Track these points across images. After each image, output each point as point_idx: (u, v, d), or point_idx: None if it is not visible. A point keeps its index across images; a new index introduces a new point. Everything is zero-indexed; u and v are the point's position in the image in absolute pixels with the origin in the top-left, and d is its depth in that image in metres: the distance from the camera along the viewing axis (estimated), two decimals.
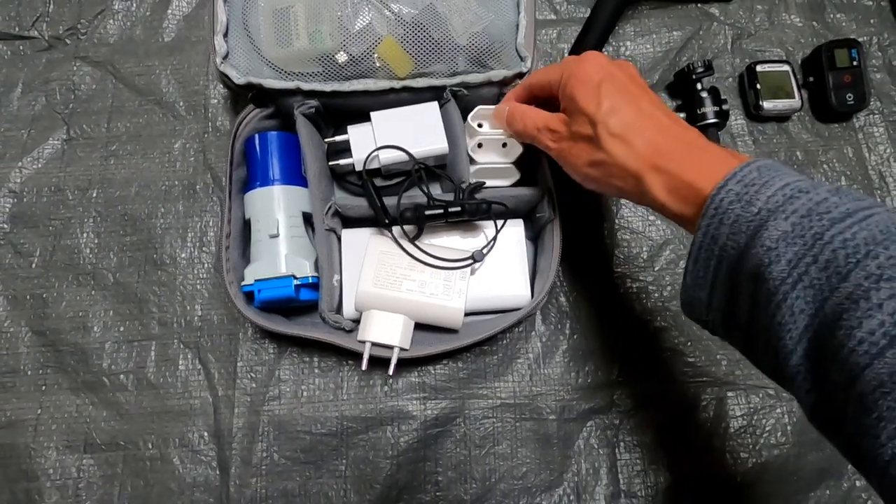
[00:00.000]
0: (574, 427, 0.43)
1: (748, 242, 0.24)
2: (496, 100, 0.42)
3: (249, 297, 0.39)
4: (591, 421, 0.43)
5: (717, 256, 0.25)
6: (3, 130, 0.48)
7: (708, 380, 0.44)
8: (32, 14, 0.51)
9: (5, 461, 0.41)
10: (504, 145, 0.41)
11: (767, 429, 0.43)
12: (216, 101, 0.49)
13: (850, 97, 0.48)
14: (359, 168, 0.40)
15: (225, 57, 0.39)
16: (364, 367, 0.38)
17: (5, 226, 0.46)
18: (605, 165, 0.31)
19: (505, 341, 0.44)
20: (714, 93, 0.47)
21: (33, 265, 0.45)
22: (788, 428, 0.43)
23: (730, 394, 0.43)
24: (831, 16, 0.52)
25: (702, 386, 0.44)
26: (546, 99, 0.36)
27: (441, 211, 0.38)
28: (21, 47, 0.50)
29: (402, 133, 0.40)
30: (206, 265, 0.45)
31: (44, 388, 0.43)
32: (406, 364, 0.43)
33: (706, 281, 0.27)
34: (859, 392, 0.20)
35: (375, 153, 0.40)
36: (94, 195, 0.47)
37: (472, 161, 0.41)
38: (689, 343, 0.44)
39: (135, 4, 0.51)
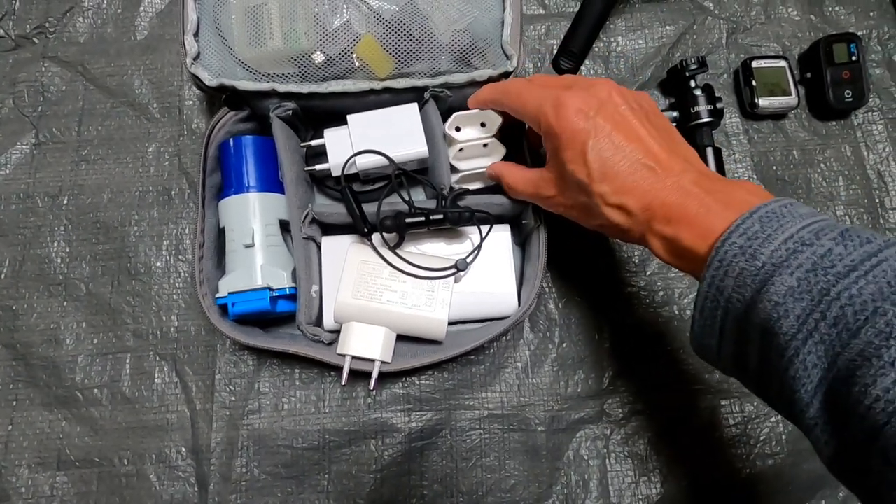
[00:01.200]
0: (563, 438, 0.41)
1: (754, 297, 0.24)
2: None
3: (224, 309, 0.37)
4: (581, 431, 0.42)
5: (723, 307, 0.25)
6: None
7: (701, 388, 0.42)
8: None
9: None
10: (485, 146, 0.40)
11: (762, 438, 0.42)
12: (191, 102, 0.47)
13: (848, 94, 0.46)
14: (336, 174, 0.39)
15: (196, 58, 0.37)
16: (344, 381, 0.37)
17: None
18: (607, 228, 0.32)
19: (492, 350, 0.43)
20: (708, 90, 0.45)
21: (2, 276, 0.44)
22: (783, 437, 0.42)
23: (723, 402, 0.42)
24: (830, 9, 0.50)
25: (695, 394, 0.42)
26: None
27: (422, 219, 0.37)
28: None
29: (379, 137, 0.38)
30: (182, 274, 0.44)
31: (14, 403, 0.41)
32: (389, 375, 0.41)
33: (714, 330, 0.27)
34: (882, 447, 0.20)
35: (352, 159, 0.38)
36: (65, 202, 0.45)
37: (454, 170, 0.39)
38: (681, 350, 0.43)
39: (105, 1, 0.49)
